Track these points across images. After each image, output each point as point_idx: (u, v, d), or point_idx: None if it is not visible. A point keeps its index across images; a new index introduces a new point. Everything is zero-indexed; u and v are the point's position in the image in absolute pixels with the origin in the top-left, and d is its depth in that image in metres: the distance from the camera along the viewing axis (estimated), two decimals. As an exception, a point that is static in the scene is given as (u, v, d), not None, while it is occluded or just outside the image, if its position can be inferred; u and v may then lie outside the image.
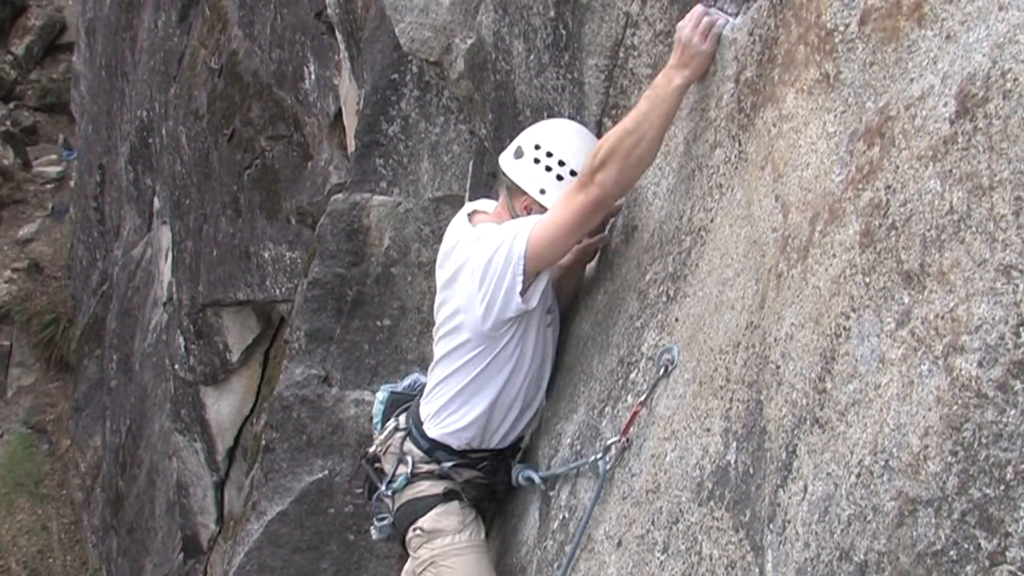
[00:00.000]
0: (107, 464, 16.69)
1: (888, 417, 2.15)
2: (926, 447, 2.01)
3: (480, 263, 4.20)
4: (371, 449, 4.82)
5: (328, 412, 8.96)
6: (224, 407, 12.90)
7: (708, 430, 3.18)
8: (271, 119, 11.39)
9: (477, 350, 4.35)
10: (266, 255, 11.34)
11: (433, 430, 4.54)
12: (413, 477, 4.59)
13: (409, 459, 4.59)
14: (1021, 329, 1.86)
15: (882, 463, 2.14)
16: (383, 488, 4.65)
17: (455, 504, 4.57)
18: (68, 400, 19.46)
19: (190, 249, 13.09)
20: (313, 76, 10.65)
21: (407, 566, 4.70)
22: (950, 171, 2.09)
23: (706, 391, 3.25)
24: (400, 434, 4.67)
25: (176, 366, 13.52)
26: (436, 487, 4.58)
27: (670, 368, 3.60)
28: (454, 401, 4.46)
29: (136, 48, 15.98)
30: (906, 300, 2.17)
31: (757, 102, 3.25)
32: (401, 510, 4.64)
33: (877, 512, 2.12)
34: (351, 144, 9.35)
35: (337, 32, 9.72)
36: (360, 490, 4.90)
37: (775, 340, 2.79)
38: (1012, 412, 1.85)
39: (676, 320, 3.68)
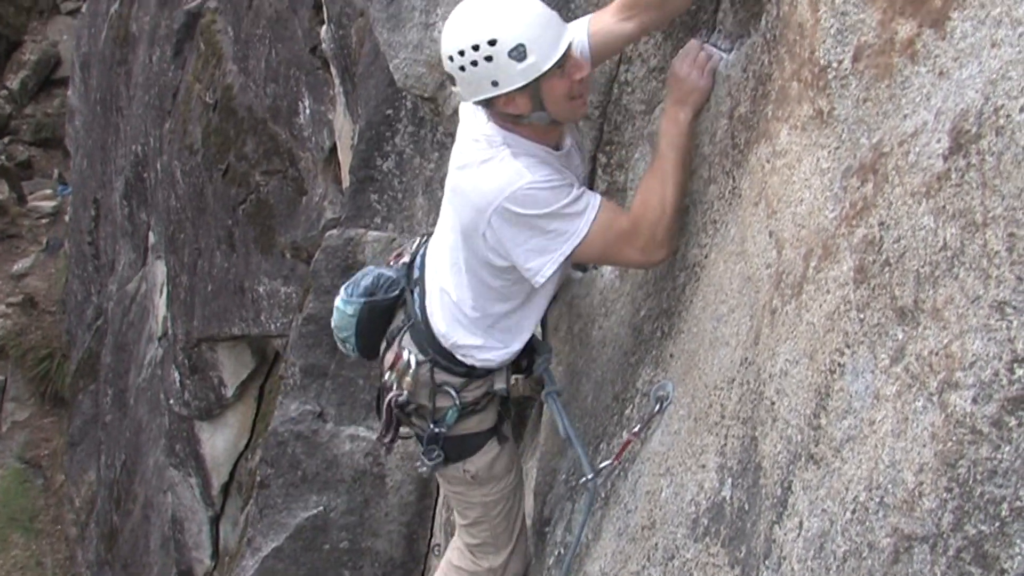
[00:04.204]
0: (101, 499, 16.63)
1: (883, 453, 2.14)
2: (921, 483, 2.00)
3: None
4: (396, 396, 4.32)
5: (323, 448, 8.92)
6: (219, 442, 12.87)
7: (703, 466, 3.17)
8: (265, 154, 11.39)
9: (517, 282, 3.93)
10: (261, 290, 11.33)
11: (471, 359, 4.17)
12: (463, 410, 4.26)
13: (450, 390, 4.24)
14: (1015, 365, 1.86)
15: (877, 499, 2.13)
16: (433, 428, 4.28)
17: (509, 446, 4.44)
18: (62, 435, 19.41)
19: (185, 284, 13.09)
20: (308, 111, 10.67)
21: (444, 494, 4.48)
22: (943, 207, 2.09)
23: (701, 427, 3.25)
24: (424, 368, 4.24)
25: (171, 401, 13.49)
26: (486, 420, 4.35)
27: (665, 404, 3.59)
28: (493, 335, 4.11)
29: (131, 83, 16.01)
30: (900, 336, 2.17)
31: (751, 138, 3.26)
32: (449, 444, 4.34)
33: (872, 549, 2.11)
34: (345, 179, 9.35)
35: (332, 67, 9.74)
36: (388, 439, 4.45)
37: (769, 376, 2.79)
38: (1007, 448, 1.85)
39: (671, 356, 3.67)
